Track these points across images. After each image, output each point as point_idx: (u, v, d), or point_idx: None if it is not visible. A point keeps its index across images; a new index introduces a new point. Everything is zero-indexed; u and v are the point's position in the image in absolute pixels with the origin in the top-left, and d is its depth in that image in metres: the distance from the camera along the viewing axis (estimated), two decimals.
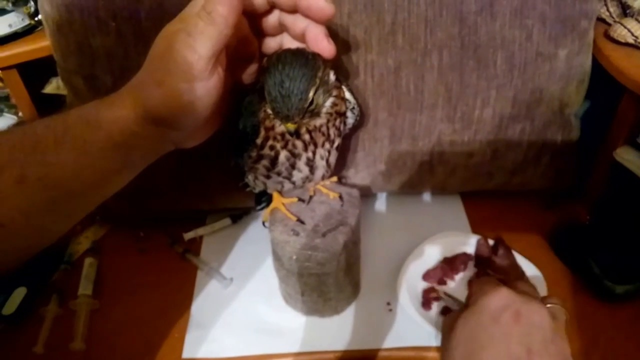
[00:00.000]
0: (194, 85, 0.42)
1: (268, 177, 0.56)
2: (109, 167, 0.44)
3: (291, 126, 0.48)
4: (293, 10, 0.47)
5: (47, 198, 0.42)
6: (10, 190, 0.40)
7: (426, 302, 0.64)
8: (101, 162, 0.43)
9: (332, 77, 0.51)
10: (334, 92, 0.51)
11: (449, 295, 0.64)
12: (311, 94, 0.46)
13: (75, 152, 0.42)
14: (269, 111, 0.49)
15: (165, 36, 0.43)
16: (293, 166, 0.54)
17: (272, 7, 0.48)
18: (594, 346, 0.60)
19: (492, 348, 0.44)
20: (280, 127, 0.50)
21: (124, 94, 0.44)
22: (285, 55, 0.46)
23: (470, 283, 0.53)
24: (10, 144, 0.42)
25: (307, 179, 0.57)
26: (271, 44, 0.51)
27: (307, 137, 0.52)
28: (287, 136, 0.51)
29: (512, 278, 0.63)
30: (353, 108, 0.57)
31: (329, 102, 0.51)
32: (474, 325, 0.46)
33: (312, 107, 0.48)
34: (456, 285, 0.67)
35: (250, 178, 0.59)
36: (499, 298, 0.46)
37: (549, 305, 0.47)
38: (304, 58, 0.46)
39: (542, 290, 0.64)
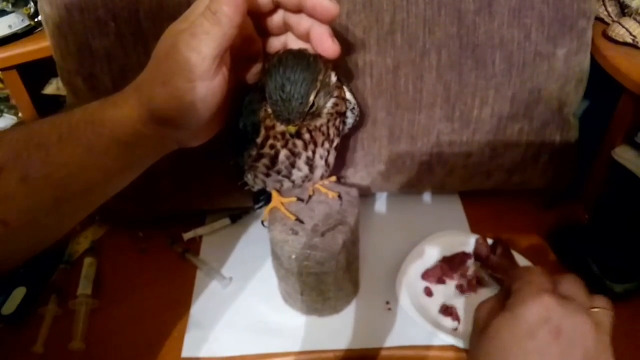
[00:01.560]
0: (198, 86, 0.42)
1: (268, 175, 0.56)
2: (112, 167, 0.44)
3: (292, 129, 0.48)
4: (298, 10, 0.47)
5: (50, 197, 0.42)
6: (14, 189, 0.40)
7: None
8: (105, 162, 0.43)
9: (333, 78, 0.51)
10: (335, 93, 0.52)
11: (492, 276, 0.64)
12: (312, 98, 0.47)
13: (79, 151, 0.42)
14: (270, 111, 0.49)
15: (170, 36, 0.43)
16: (293, 165, 0.55)
17: (276, 7, 0.48)
18: None
19: None
20: (281, 127, 0.51)
21: (128, 93, 0.44)
22: (286, 58, 0.46)
23: (513, 272, 0.49)
24: (14, 143, 0.42)
25: (306, 178, 0.57)
26: (275, 44, 0.51)
27: (307, 136, 0.52)
28: (288, 135, 0.51)
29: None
30: (353, 108, 0.57)
31: (330, 104, 0.51)
32: (508, 337, 0.42)
33: (314, 109, 0.48)
34: (454, 284, 0.67)
35: (249, 177, 0.59)
36: (540, 309, 0.42)
37: (594, 310, 0.43)
38: (305, 61, 0.46)
39: None
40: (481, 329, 0.45)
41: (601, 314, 0.44)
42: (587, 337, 0.41)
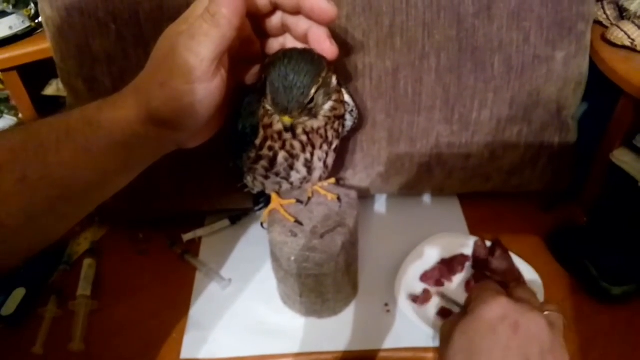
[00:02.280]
0: (196, 87, 0.42)
1: (266, 177, 0.57)
2: (110, 167, 0.44)
3: (288, 120, 0.48)
4: (296, 12, 0.47)
5: (48, 198, 0.42)
6: (11, 190, 0.40)
7: (423, 301, 0.64)
8: (103, 162, 0.43)
9: (334, 80, 0.51)
10: (334, 97, 0.52)
11: (447, 297, 0.64)
12: (313, 90, 0.47)
13: (77, 152, 0.42)
14: (268, 107, 0.49)
15: (169, 37, 0.43)
16: (291, 167, 0.55)
17: (274, 9, 0.48)
18: (591, 348, 0.60)
19: (489, 359, 0.44)
20: (278, 125, 0.50)
21: (126, 94, 0.44)
22: (292, 52, 0.47)
23: (470, 288, 0.53)
24: (12, 144, 0.42)
25: (304, 180, 0.58)
26: (274, 45, 0.52)
27: (304, 138, 0.52)
28: (285, 135, 0.51)
29: (510, 281, 0.63)
30: (352, 111, 0.57)
31: (327, 106, 0.51)
32: (472, 335, 0.46)
33: (312, 105, 0.48)
34: (454, 286, 0.67)
35: (249, 179, 0.60)
36: (498, 307, 0.46)
37: (546, 313, 0.47)
38: (310, 56, 0.47)
39: (540, 292, 0.64)
40: (447, 336, 0.48)
41: (554, 315, 0.48)
42: (542, 332, 0.45)
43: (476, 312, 0.47)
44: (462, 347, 0.46)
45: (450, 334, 0.47)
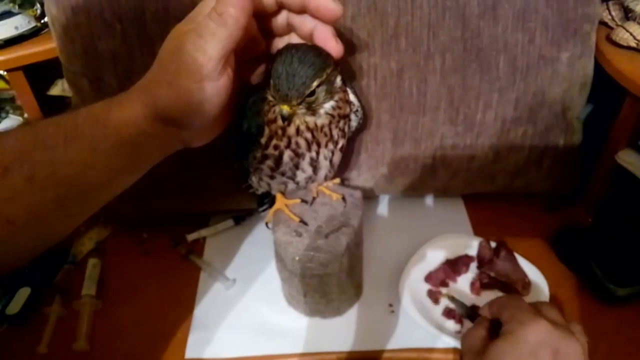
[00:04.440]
0: (203, 86, 0.42)
1: (272, 177, 0.57)
2: (117, 166, 0.45)
3: (286, 108, 0.48)
4: (301, 11, 0.47)
5: (55, 196, 0.42)
6: (19, 188, 0.41)
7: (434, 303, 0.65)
8: (110, 161, 0.44)
9: (338, 81, 0.51)
10: (337, 97, 0.52)
11: (456, 300, 0.64)
12: (315, 83, 0.47)
13: (84, 150, 0.42)
14: (270, 97, 0.49)
15: (176, 36, 0.43)
16: (297, 166, 0.55)
17: (280, 8, 0.48)
18: (595, 349, 0.59)
19: None
20: (280, 119, 0.50)
21: (133, 93, 0.44)
22: (301, 44, 0.48)
23: (496, 303, 0.52)
24: (20, 143, 0.42)
25: (310, 179, 0.58)
26: (279, 45, 0.52)
27: (309, 135, 0.52)
28: (289, 131, 0.51)
29: (515, 282, 0.63)
30: (357, 111, 0.58)
31: (329, 105, 0.51)
32: (511, 357, 0.45)
33: (312, 98, 0.48)
34: (459, 287, 0.67)
35: (254, 179, 0.60)
36: (539, 332, 0.45)
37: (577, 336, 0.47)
38: (317, 51, 0.47)
39: (545, 293, 0.64)
40: (477, 354, 0.47)
41: (582, 338, 0.48)
42: (578, 358, 0.45)
43: (516, 334, 0.46)
44: None
45: (486, 352, 0.46)
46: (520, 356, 0.44)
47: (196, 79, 0.41)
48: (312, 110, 0.50)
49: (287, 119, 0.49)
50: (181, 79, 0.42)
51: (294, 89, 0.46)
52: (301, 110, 0.49)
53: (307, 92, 0.47)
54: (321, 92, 0.49)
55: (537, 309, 0.49)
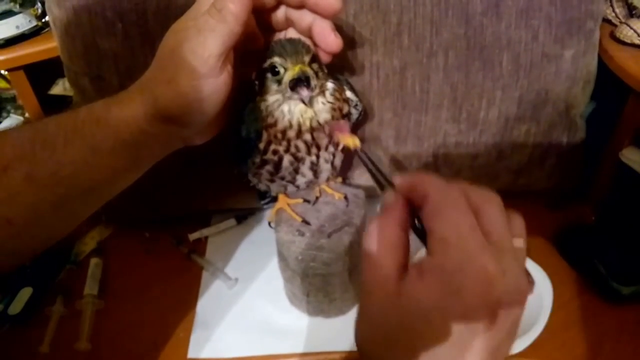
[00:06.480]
0: (203, 83, 0.42)
1: (272, 181, 0.56)
2: (117, 165, 0.44)
3: (302, 67, 0.47)
4: (300, 6, 0.47)
5: (55, 195, 0.42)
6: (19, 187, 0.41)
7: None
8: (110, 160, 0.43)
9: (329, 85, 0.51)
10: (334, 97, 0.51)
11: (373, 164, 0.43)
12: (311, 52, 0.48)
13: (84, 149, 0.42)
14: (270, 98, 0.49)
15: (175, 33, 0.43)
16: (297, 171, 0.54)
17: (278, 3, 0.48)
18: (599, 347, 0.59)
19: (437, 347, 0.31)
20: (282, 124, 0.50)
21: (133, 92, 0.44)
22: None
23: (425, 182, 0.34)
24: (20, 142, 0.42)
25: (310, 183, 0.57)
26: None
27: (308, 137, 0.52)
28: (289, 134, 0.51)
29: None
30: (356, 105, 0.57)
31: (330, 87, 0.51)
32: (438, 314, 0.31)
33: (316, 66, 0.49)
34: None
35: (254, 181, 0.59)
36: (481, 284, 0.30)
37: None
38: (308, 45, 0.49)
39: (548, 292, 0.64)
40: (387, 280, 0.33)
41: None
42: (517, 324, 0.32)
43: (455, 281, 0.30)
44: (410, 321, 0.32)
45: (404, 290, 0.32)
46: (449, 316, 0.31)
47: (196, 76, 0.41)
48: (320, 89, 0.50)
49: (306, 81, 0.47)
50: (181, 76, 0.41)
51: (300, 45, 0.47)
52: (314, 82, 0.48)
53: (310, 52, 0.47)
54: (315, 72, 0.49)
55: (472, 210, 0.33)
